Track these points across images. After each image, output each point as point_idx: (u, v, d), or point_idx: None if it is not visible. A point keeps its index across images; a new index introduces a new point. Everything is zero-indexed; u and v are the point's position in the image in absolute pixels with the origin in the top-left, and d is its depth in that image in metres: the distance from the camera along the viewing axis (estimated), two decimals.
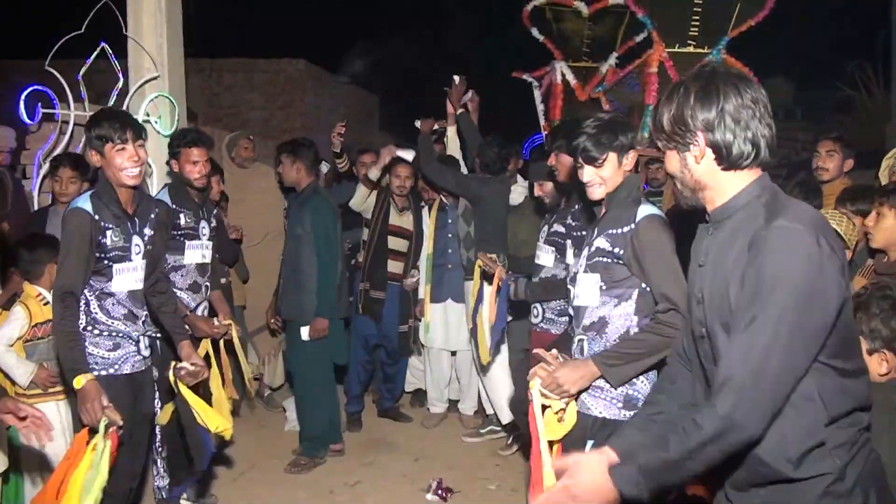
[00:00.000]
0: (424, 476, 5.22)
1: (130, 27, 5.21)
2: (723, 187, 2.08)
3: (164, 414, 4.47)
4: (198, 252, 4.70)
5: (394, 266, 6.24)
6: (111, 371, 3.63)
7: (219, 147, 6.78)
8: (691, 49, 7.71)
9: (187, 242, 4.63)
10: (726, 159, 2.03)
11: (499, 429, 6.01)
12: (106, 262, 3.58)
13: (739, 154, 2.02)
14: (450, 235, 6.21)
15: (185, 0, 5.53)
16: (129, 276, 3.67)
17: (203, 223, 4.73)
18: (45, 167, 5.18)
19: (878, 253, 3.63)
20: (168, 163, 4.69)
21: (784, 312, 1.83)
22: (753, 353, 1.84)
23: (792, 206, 1.97)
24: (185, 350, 3.96)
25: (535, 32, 8.41)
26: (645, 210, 3.14)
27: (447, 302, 6.18)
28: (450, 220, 6.20)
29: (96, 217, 3.52)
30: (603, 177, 3.21)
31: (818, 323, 1.87)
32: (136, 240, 3.69)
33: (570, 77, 8.29)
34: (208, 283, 4.83)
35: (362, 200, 6.14)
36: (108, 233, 3.56)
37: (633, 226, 3.10)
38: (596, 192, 3.25)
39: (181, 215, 4.60)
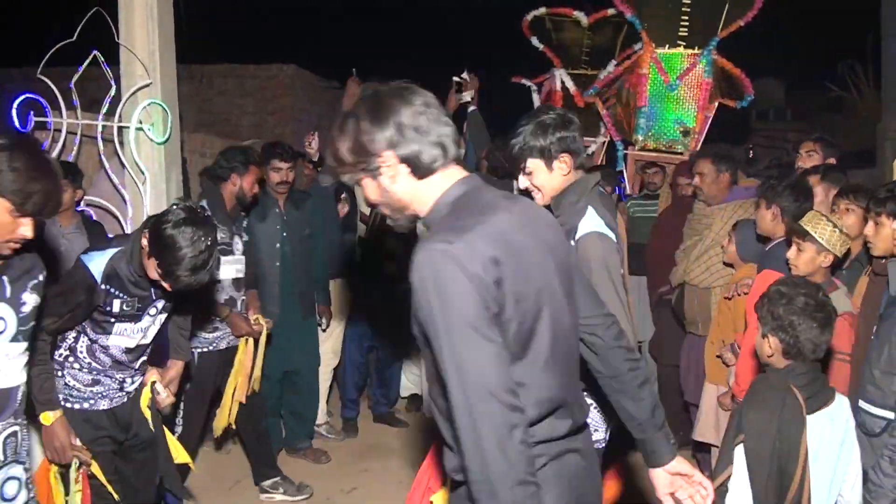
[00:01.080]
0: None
1: (122, 35, 5.19)
2: (424, 197, 2.06)
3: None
4: (232, 267, 4.87)
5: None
6: (86, 406, 3.47)
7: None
8: (681, 50, 7.71)
9: (222, 258, 4.68)
10: (420, 169, 2.01)
11: None
12: (111, 319, 3.39)
13: (431, 159, 2.00)
14: None
15: (176, 6, 5.52)
16: (131, 338, 3.48)
17: (236, 238, 4.91)
18: None
19: (875, 258, 3.65)
20: (220, 177, 4.87)
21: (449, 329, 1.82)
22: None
23: (456, 223, 1.95)
24: (171, 372, 3.86)
25: (534, 41, 8.42)
26: (586, 226, 2.96)
27: None
28: None
29: (103, 286, 3.29)
30: (536, 184, 3.09)
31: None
32: (158, 302, 3.49)
33: (570, 84, 8.31)
34: (244, 297, 4.98)
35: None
36: (116, 301, 3.34)
37: (573, 242, 2.92)
38: (538, 201, 3.10)
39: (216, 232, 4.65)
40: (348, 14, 18.51)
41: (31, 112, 5.10)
